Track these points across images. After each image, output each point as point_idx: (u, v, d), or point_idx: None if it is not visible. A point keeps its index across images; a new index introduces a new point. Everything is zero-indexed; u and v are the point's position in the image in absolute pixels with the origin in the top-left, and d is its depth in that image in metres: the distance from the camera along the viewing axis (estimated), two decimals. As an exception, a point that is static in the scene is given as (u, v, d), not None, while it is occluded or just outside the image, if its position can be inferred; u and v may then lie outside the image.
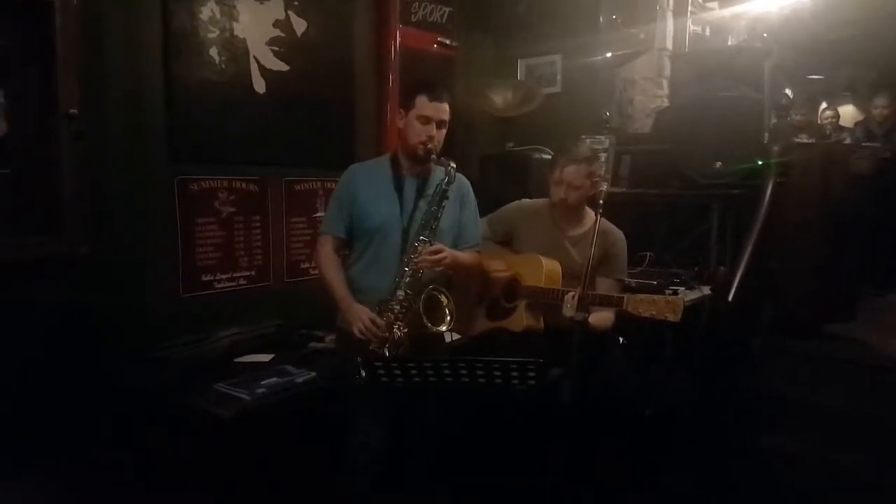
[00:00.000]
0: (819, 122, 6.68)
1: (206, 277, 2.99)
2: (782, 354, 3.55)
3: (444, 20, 4.19)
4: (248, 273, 3.17)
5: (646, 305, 2.23)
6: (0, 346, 2.28)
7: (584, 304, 2.18)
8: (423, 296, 2.16)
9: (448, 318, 2.21)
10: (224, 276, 3.06)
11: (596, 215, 2.34)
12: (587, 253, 2.29)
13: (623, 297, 2.31)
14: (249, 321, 2.98)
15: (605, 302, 2.39)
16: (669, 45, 4.55)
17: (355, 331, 2.16)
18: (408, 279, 2.17)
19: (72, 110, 2.42)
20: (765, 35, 4.59)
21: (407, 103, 2.26)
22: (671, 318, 2.18)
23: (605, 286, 2.59)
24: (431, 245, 2.18)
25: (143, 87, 2.74)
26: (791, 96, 6.85)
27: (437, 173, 2.30)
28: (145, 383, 2.51)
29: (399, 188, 2.28)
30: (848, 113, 7.35)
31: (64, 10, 2.40)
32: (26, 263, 2.36)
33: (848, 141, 5.67)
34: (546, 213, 2.75)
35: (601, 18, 4.35)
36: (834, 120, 6.51)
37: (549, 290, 2.51)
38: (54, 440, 2.33)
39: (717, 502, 2.85)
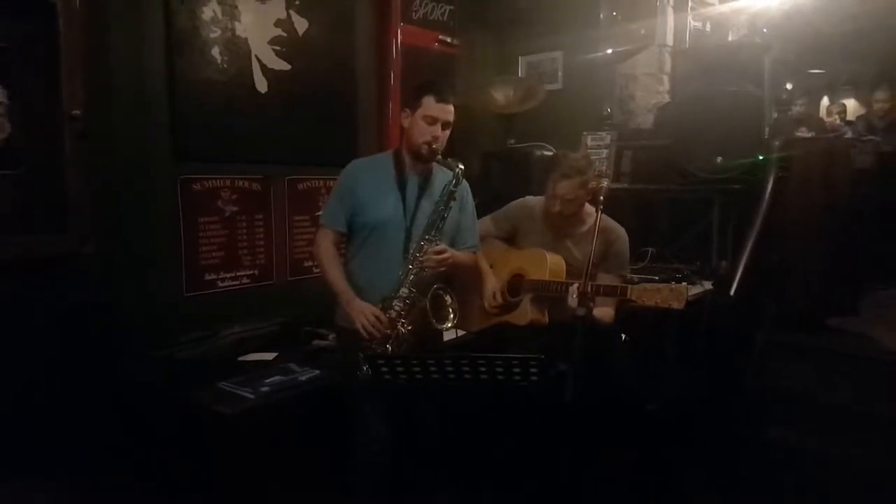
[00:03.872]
0: (826, 116, 6.68)
1: (210, 276, 3.01)
2: (785, 349, 3.56)
3: (445, 18, 4.20)
4: (251, 272, 3.18)
5: (650, 294, 2.24)
6: (5, 343, 2.30)
7: (586, 299, 2.18)
8: (429, 294, 2.18)
9: (452, 316, 2.23)
10: (227, 275, 3.08)
11: (597, 212, 2.34)
12: (589, 250, 2.29)
13: (627, 287, 2.33)
14: (253, 319, 2.99)
15: (610, 292, 2.40)
16: (670, 40, 4.54)
17: (359, 326, 2.16)
18: (412, 277, 2.18)
19: (75, 111, 2.44)
20: (765, 30, 4.59)
21: (413, 103, 2.26)
22: (675, 305, 2.18)
23: (607, 282, 2.60)
24: (437, 244, 2.19)
25: (146, 87, 2.76)
26: (790, 89, 6.85)
27: (439, 172, 2.32)
28: (149, 381, 2.52)
29: (402, 186, 2.29)
30: (849, 107, 7.34)
31: (67, 12, 2.41)
32: (32, 262, 2.38)
33: (849, 135, 5.67)
34: (547, 213, 2.75)
35: (601, 15, 4.35)
36: (842, 115, 6.51)
37: (553, 283, 2.53)
38: (59, 437, 2.35)
39: (720, 497, 2.86)
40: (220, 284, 3.05)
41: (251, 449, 2.35)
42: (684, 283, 2.27)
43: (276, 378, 2.56)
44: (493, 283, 2.73)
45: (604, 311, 2.49)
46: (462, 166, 2.24)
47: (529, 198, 2.89)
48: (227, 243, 3.07)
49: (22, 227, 2.39)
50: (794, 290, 3.73)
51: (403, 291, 2.18)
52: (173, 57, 2.81)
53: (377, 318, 2.15)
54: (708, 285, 3.47)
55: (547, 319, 2.61)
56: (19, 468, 2.22)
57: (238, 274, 3.13)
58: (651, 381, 3.11)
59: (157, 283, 2.82)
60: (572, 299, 2.26)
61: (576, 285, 2.27)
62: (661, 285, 2.28)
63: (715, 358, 3.32)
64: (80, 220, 2.48)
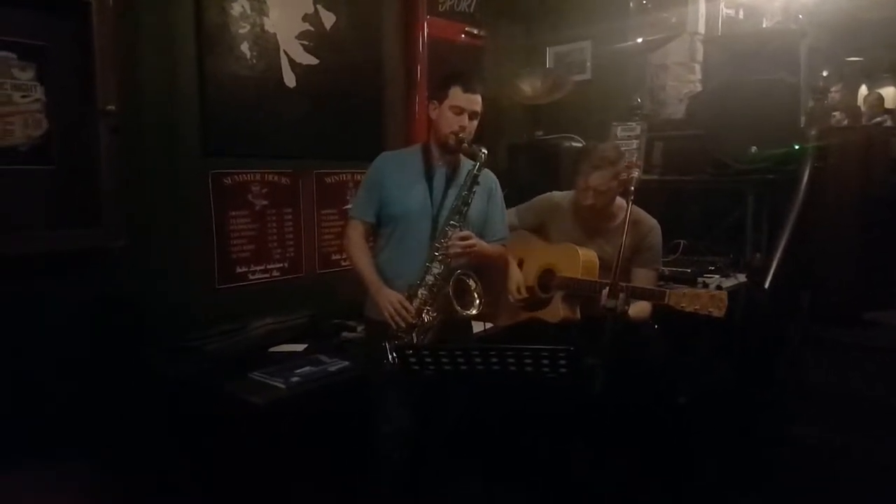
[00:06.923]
0: (862, 106, 6.50)
1: (241, 269, 3.04)
2: (820, 342, 3.48)
3: (471, 9, 4.17)
4: (281, 265, 3.21)
5: (689, 300, 2.17)
6: (39, 335, 2.35)
7: (617, 293, 2.14)
8: (452, 279, 2.17)
9: (477, 301, 2.22)
10: (258, 268, 3.11)
11: (627, 203, 2.29)
12: (619, 244, 2.25)
13: (665, 292, 2.25)
14: (283, 312, 3.02)
15: (647, 296, 2.34)
16: (702, 28, 4.46)
17: (385, 314, 2.18)
18: (437, 264, 2.19)
19: (109, 106, 2.47)
20: (800, 16, 4.48)
21: (440, 94, 2.27)
22: (716, 313, 2.12)
23: (640, 276, 2.55)
24: (461, 230, 2.19)
25: (177, 82, 2.79)
26: (826, 77, 6.67)
27: (466, 164, 2.32)
28: (182, 373, 2.56)
29: (430, 177, 2.29)
30: (889, 95, 7.13)
31: (101, 9, 2.44)
32: (66, 255, 2.42)
33: (888, 123, 5.51)
34: (577, 208, 2.72)
35: (631, 3, 4.29)
36: (878, 106, 6.32)
37: (586, 282, 2.47)
38: (92, 428, 2.40)
39: (752, 492, 2.82)
40: (251, 277, 3.09)
41: (282, 438, 2.38)
42: (724, 290, 2.19)
43: (307, 369, 2.59)
44: (518, 277, 2.70)
45: (641, 307, 2.43)
46: (485, 150, 2.24)
47: (556, 193, 2.85)
48: (257, 237, 3.10)
49: (56, 220, 2.44)
50: (829, 283, 3.65)
51: (429, 279, 2.18)
52: (203, 53, 2.84)
53: (402, 305, 2.16)
54: (742, 278, 3.40)
55: (579, 316, 2.57)
56: (50, 458, 2.26)
57: (268, 267, 3.16)
58: (683, 374, 3.06)
59: (189, 276, 2.85)
60: (606, 300, 2.21)
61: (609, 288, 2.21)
62: (700, 291, 2.21)
63: (748, 351, 3.26)
64: (113, 214, 2.52)
